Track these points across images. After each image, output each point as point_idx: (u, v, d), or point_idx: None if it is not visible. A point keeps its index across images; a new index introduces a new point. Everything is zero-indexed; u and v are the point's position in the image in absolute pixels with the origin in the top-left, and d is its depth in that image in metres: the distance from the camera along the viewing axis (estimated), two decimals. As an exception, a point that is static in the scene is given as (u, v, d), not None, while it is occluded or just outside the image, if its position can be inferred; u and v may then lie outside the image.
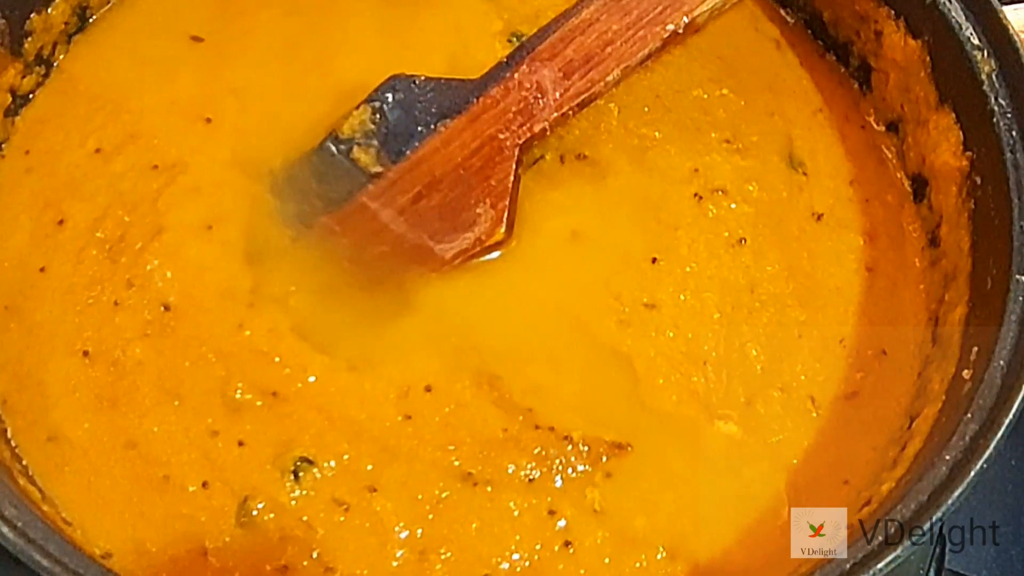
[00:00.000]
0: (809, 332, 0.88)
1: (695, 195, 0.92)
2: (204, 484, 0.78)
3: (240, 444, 0.80)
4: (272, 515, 0.77)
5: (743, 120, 0.97)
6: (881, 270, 0.92)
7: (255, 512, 0.77)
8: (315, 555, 0.76)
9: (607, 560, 0.78)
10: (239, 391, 0.81)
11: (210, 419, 0.81)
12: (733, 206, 0.92)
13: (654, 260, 0.89)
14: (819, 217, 0.93)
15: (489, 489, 0.79)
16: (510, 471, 0.80)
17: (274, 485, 0.78)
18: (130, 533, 0.77)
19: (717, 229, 0.91)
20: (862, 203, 0.95)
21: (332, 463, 0.79)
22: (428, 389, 0.82)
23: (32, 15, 0.93)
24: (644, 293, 0.87)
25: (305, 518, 0.77)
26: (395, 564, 0.77)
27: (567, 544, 0.78)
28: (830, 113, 1.00)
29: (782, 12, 1.05)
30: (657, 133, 0.94)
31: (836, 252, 0.92)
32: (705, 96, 0.97)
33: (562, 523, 0.78)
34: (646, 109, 0.95)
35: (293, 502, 0.78)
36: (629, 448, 0.81)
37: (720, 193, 0.92)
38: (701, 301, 0.88)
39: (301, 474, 0.79)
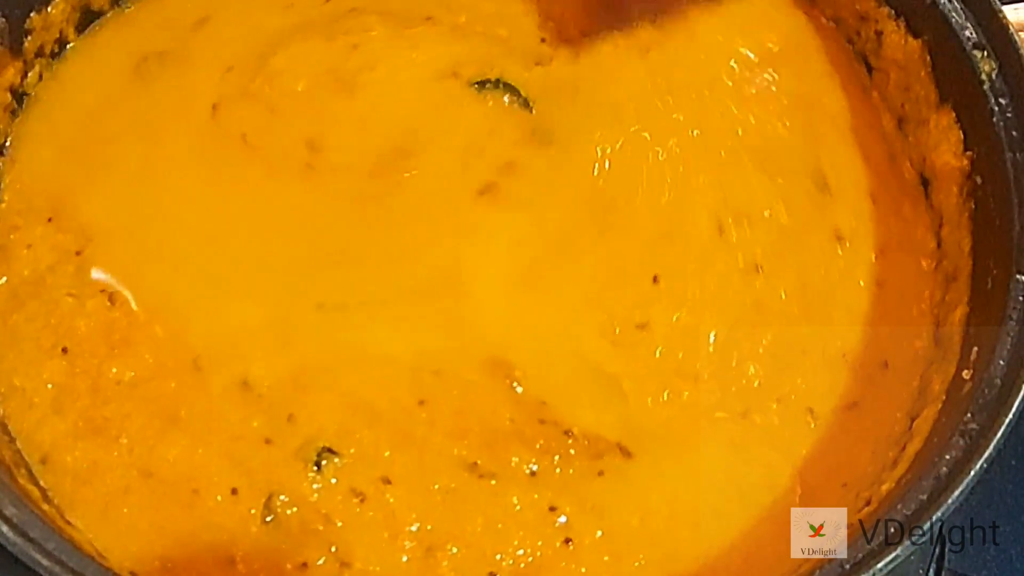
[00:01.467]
0: (813, 347, 0.87)
1: (717, 225, 0.91)
2: (233, 491, 0.78)
3: (267, 442, 0.80)
4: (294, 509, 0.77)
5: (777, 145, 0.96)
6: (891, 284, 0.91)
7: (279, 507, 0.77)
8: (333, 549, 0.76)
9: (606, 558, 0.78)
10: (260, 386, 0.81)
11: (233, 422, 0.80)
12: (753, 231, 0.91)
13: (655, 279, 0.88)
14: (840, 237, 0.92)
15: (494, 482, 0.79)
16: (513, 463, 0.80)
17: (297, 478, 0.78)
18: (157, 552, 0.76)
19: (732, 255, 0.89)
20: (880, 219, 0.93)
21: (352, 451, 0.79)
22: (437, 373, 0.82)
23: (32, 14, 0.93)
24: (638, 311, 0.86)
25: (325, 511, 0.77)
26: (405, 559, 0.76)
27: (567, 541, 0.78)
28: (853, 124, 0.98)
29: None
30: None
31: (850, 269, 0.91)
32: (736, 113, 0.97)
33: (563, 519, 0.78)
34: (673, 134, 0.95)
35: (315, 495, 0.78)
36: (628, 452, 0.81)
37: (744, 219, 0.91)
38: (697, 320, 0.86)
39: (324, 463, 0.79)
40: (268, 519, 0.77)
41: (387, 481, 0.78)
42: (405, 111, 0.94)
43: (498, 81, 0.95)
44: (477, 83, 0.95)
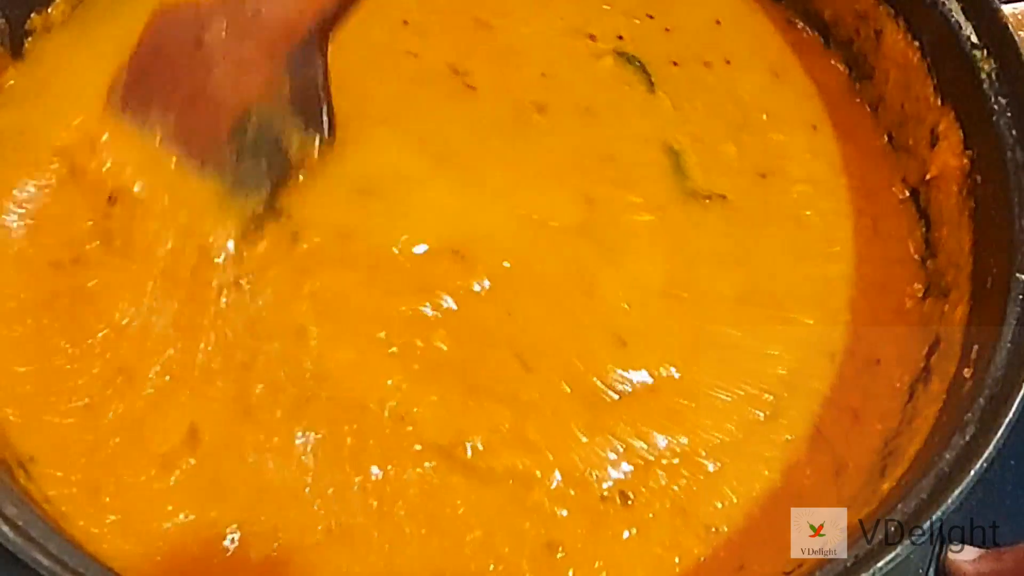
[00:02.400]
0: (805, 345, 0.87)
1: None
2: None
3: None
4: None
5: None
6: (887, 283, 0.91)
7: None
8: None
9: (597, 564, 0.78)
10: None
11: None
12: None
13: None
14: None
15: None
16: None
17: None
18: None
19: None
20: (856, 209, 0.94)
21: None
22: None
23: (32, 14, 0.93)
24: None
25: None
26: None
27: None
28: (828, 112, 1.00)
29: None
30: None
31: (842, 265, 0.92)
32: None
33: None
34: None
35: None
36: None
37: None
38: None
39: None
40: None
41: None
42: (541, 57, 0.97)
43: (628, 55, 0.98)
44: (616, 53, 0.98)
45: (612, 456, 0.80)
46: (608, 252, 0.88)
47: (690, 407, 0.83)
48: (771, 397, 0.84)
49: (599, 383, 0.82)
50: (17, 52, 0.92)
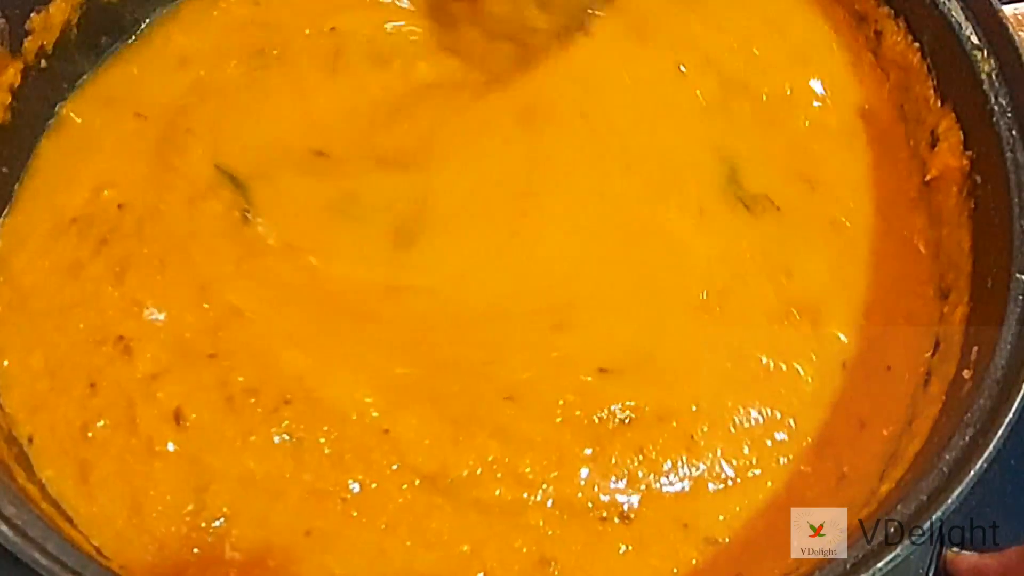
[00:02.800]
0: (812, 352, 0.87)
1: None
2: None
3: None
4: None
5: None
6: (891, 285, 0.91)
7: None
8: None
9: None
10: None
11: None
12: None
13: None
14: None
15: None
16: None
17: None
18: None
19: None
20: (877, 215, 0.94)
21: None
22: None
23: (32, 14, 0.93)
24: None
25: None
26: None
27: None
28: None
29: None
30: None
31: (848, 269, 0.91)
32: None
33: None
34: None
35: None
36: None
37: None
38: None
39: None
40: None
41: None
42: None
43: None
44: None
45: (615, 484, 0.79)
46: (650, 264, 0.88)
47: (705, 435, 0.82)
48: (792, 422, 0.83)
49: (597, 415, 0.81)
50: (17, 51, 0.92)
